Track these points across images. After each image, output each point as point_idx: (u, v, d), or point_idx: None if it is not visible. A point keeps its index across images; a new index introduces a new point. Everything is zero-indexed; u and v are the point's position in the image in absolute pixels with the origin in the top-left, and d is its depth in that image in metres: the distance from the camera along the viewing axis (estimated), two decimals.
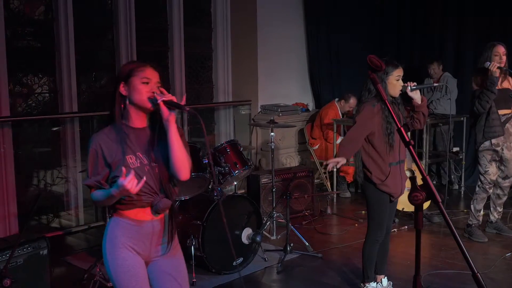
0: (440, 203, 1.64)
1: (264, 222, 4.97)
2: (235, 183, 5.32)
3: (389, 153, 3.67)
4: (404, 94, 3.71)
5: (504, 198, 5.37)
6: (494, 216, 5.44)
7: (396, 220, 5.76)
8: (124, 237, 2.41)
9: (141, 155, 2.39)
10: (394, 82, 3.66)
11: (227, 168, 4.68)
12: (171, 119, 2.31)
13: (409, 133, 4.71)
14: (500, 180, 5.26)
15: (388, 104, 1.88)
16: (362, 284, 3.98)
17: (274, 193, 5.37)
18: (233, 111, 7.49)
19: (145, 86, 2.37)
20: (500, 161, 5.19)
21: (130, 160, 2.36)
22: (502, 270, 4.57)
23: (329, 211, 6.32)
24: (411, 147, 1.71)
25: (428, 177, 1.68)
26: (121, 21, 6.27)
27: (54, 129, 6.03)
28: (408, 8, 7.93)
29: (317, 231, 5.65)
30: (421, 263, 4.70)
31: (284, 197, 5.03)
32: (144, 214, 2.43)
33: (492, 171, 5.17)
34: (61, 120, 5.91)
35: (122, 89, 2.40)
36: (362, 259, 3.93)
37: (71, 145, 5.95)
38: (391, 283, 4.04)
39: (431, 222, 5.82)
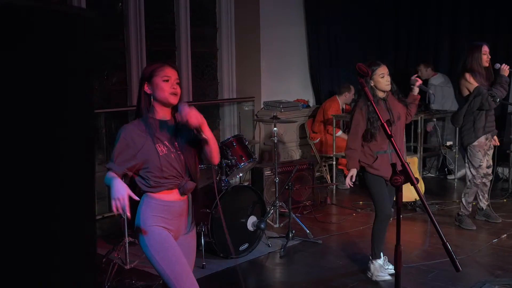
0: (416, 185, 2.00)
1: (268, 211, 5.32)
2: (241, 174, 5.68)
3: (372, 142, 4.20)
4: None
5: (489, 184, 5.74)
6: (484, 203, 5.78)
7: (391, 209, 6.11)
8: (156, 216, 2.71)
9: (167, 144, 2.72)
10: (379, 79, 4.16)
11: (233, 161, 5.02)
12: (202, 123, 2.61)
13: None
14: (486, 169, 5.62)
15: (373, 104, 2.24)
16: (370, 261, 4.41)
17: (277, 184, 5.73)
18: (237, 107, 7.82)
19: (166, 83, 2.69)
20: (489, 149, 5.57)
21: (159, 148, 2.69)
22: (488, 255, 4.94)
23: (328, 201, 6.68)
24: (392, 139, 2.07)
25: (407, 164, 2.04)
26: (131, 22, 6.61)
27: None
28: (407, 9, 8.27)
29: (317, 220, 6.01)
30: (414, 250, 5.06)
31: (286, 187, 5.38)
32: (172, 195, 2.74)
33: (484, 164, 5.51)
34: None
35: (147, 88, 2.73)
36: (371, 238, 4.40)
37: None
38: (387, 257, 4.45)
39: (423, 211, 6.17)
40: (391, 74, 4.25)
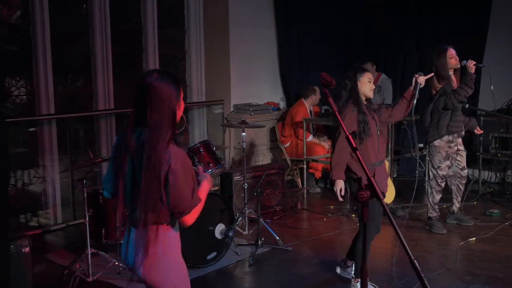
0: (382, 200, 1.91)
1: (236, 218, 5.20)
2: None
3: (371, 154, 3.98)
4: None
5: (463, 188, 5.73)
6: (456, 206, 5.77)
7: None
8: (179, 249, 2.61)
9: None
10: (366, 83, 4.07)
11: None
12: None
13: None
14: (459, 170, 5.62)
15: (337, 115, 2.15)
16: (353, 279, 4.19)
17: (246, 190, 5.62)
18: (206, 111, 7.69)
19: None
20: (456, 152, 5.55)
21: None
22: (458, 260, 4.88)
23: (299, 206, 6.58)
24: (357, 152, 1.98)
25: (372, 178, 1.95)
26: (96, 24, 6.40)
27: (31, 129, 6.17)
28: (376, 10, 8.25)
29: (287, 226, 5.91)
30: (384, 255, 4.98)
31: (255, 194, 5.27)
32: None
33: (444, 166, 5.50)
34: (39, 121, 6.04)
35: (177, 109, 2.45)
36: (354, 255, 4.15)
37: (48, 145, 6.09)
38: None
39: (394, 215, 6.12)
40: None
